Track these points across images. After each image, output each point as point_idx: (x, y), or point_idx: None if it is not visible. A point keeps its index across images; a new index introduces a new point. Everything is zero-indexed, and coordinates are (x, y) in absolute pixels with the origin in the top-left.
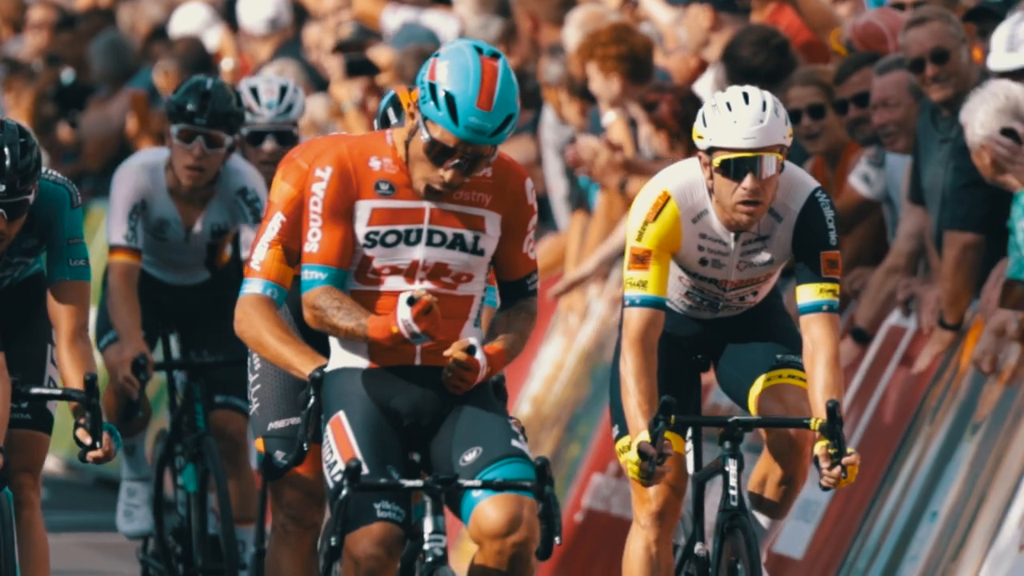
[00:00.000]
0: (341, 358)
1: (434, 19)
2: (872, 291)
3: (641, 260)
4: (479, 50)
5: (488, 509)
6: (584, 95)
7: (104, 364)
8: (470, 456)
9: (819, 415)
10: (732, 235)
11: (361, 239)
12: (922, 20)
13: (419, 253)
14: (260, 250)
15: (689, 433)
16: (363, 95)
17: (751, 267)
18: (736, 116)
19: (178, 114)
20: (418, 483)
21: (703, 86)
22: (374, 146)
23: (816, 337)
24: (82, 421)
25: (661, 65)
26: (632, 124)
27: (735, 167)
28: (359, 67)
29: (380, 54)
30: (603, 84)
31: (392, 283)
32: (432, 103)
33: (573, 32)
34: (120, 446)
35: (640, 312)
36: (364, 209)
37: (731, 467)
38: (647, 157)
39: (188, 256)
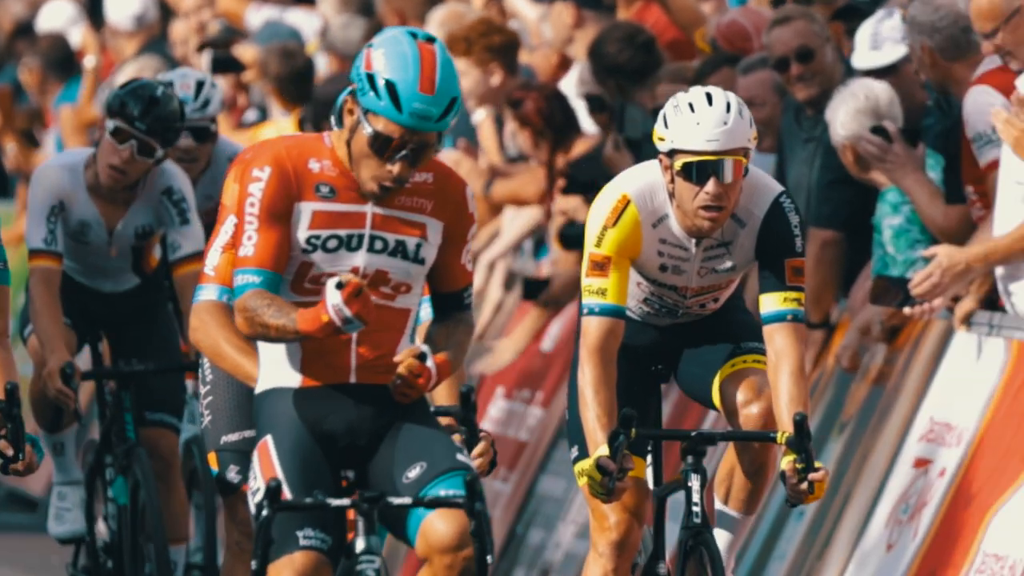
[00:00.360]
0: (272, 377)
1: (297, 17)
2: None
3: (600, 267)
4: (414, 35)
5: (437, 523)
6: None
7: (28, 352)
8: (413, 472)
9: (784, 428)
10: (693, 241)
11: (301, 243)
12: (786, 19)
13: (360, 259)
14: (214, 255)
15: (648, 446)
16: (230, 92)
17: (713, 274)
18: (699, 117)
19: (119, 111)
20: (344, 502)
21: (567, 84)
22: (312, 148)
23: (780, 347)
24: (2, 432)
25: (525, 62)
26: (499, 121)
27: (697, 171)
28: (224, 64)
29: (245, 51)
30: (478, 79)
31: None
32: (372, 94)
33: (435, 30)
34: (43, 457)
35: (599, 321)
36: (305, 212)
37: (694, 483)
38: (511, 155)
39: (112, 260)
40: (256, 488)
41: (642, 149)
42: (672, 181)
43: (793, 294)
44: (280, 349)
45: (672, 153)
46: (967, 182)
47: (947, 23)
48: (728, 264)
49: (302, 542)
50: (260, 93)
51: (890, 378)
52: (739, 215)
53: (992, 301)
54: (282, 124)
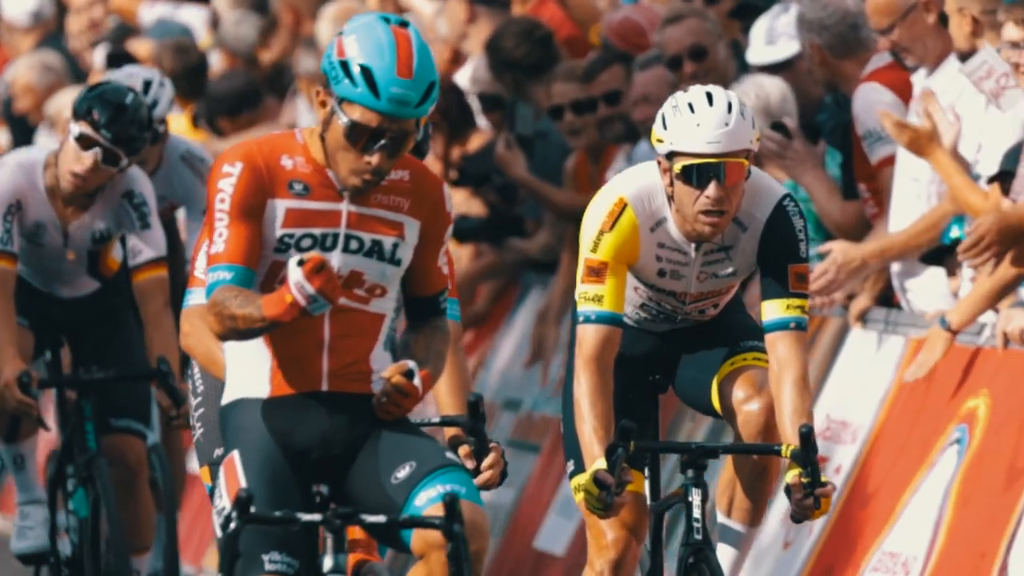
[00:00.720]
0: (239, 387)
1: (190, 14)
2: None
3: (596, 273)
4: (387, 20)
5: (436, 517)
6: None
7: None
8: (403, 472)
9: (788, 440)
10: (693, 245)
11: (274, 243)
12: (679, 17)
13: (335, 260)
14: (203, 258)
15: (646, 460)
16: None
17: (713, 279)
18: (699, 118)
19: (85, 116)
20: (315, 517)
21: (462, 77)
22: (284, 144)
23: (782, 356)
24: None
25: None
26: None
27: (698, 174)
28: (119, 60)
29: (140, 46)
30: None
31: None
32: (347, 81)
33: (326, 27)
34: (3, 469)
35: (595, 329)
36: (278, 209)
37: (695, 497)
38: None
39: (67, 263)
40: (221, 507)
41: (534, 146)
42: (671, 184)
43: (796, 301)
44: (248, 357)
45: (671, 155)
46: (860, 179)
47: (836, 20)
48: (729, 269)
49: (267, 566)
50: None
51: None
52: (741, 218)
53: (887, 298)
54: (176, 120)
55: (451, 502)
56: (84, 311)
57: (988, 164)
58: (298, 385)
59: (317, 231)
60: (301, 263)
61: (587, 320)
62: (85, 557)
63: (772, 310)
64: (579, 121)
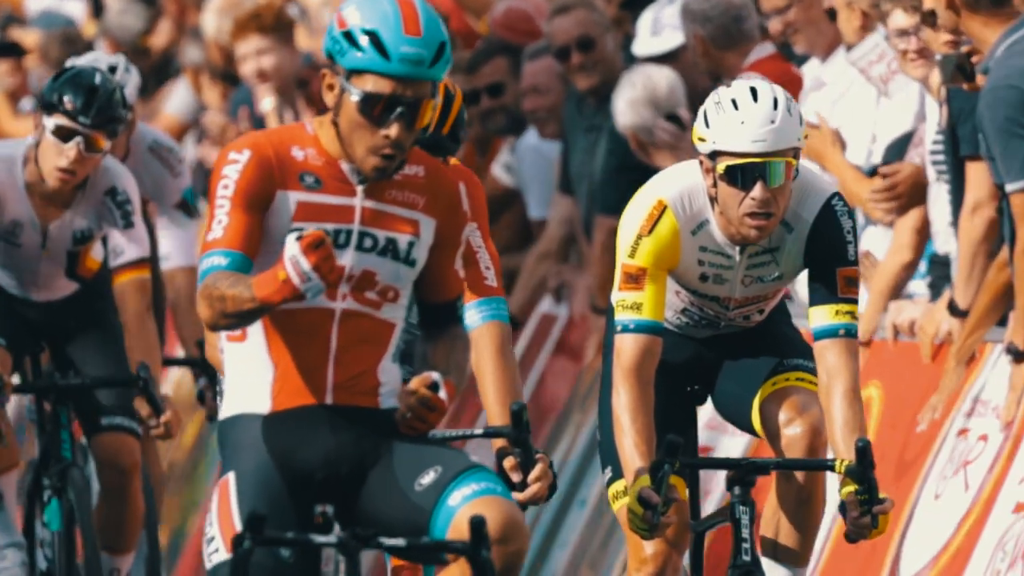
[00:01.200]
0: (238, 401)
1: (74, 7)
2: (523, 278)
3: (634, 279)
4: None
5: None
6: (226, 78)
7: None
8: (427, 478)
9: (841, 455)
10: (737, 248)
11: (284, 236)
12: (566, 8)
13: (347, 258)
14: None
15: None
16: (11, 77)
17: (758, 283)
18: (743, 116)
19: (57, 107)
20: (331, 539)
21: None
22: (295, 135)
23: (832, 366)
24: None
25: (305, 48)
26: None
27: (743, 175)
28: (6, 49)
29: (26, 36)
30: (284, 56)
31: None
32: (353, 50)
33: (211, 17)
34: None
35: (635, 339)
36: (288, 202)
37: (743, 516)
38: None
39: (45, 265)
40: (211, 538)
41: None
42: (714, 185)
43: (845, 306)
44: (248, 368)
45: (714, 155)
46: None
47: (719, 12)
48: (775, 273)
49: None
50: (39, 78)
51: None
52: (787, 219)
53: None
54: None
55: (478, 526)
56: (64, 315)
57: (880, 155)
58: (302, 398)
59: (329, 226)
60: (300, 238)
61: (626, 329)
62: (59, 570)
63: (820, 316)
64: (466, 112)
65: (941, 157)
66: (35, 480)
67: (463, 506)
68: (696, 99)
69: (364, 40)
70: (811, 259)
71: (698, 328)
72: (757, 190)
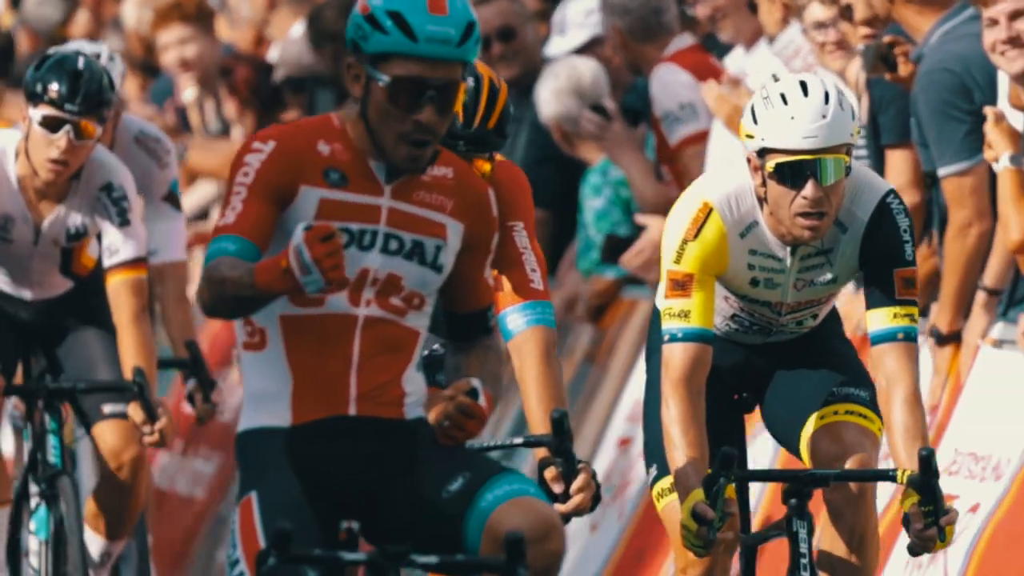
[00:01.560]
0: (257, 413)
1: None
2: None
3: (681, 286)
4: None
5: (511, 515)
6: (145, 69)
7: None
8: (456, 484)
9: (903, 465)
10: (788, 250)
11: None
12: None
13: (372, 260)
14: None
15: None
16: None
17: (811, 287)
18: (793, 110)
19: (42, 96)
20: (361, 555)
21: (273, 56)
22: (321, 128)
23: (891, 372)
24: None
25: (226, 38)
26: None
27: (793, 173)
28: None
29: None
30: (206, 45)
31: (335, 302)
32: (378, 33)
33: (134, 10)
34: None
35: (684, 348)
36: (310, 198)
37: (800, 529)
38: (213, 130)
39: (37, 261)
40: (235, 560)
41: None
42: (763, 184)
43: (904, 309)
44: (267, 378)
45: (763, 152)
46: (661, 161)
47: (638, 4)
48: (828, 275)
49: None
50: None
51: (597, 357)
52: (841, 218)
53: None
54: None
55: (515, 543)
56: (58, 313)
57: None
58: (323, 410)
59: (354, 226)
60: (308, 227)
61: (673, 338)
62: None
63: (878, 320)
64: None
65: (862, 144)
66: (23, 487)
67: (496, 508)
68: (620, 91)
69: (388, 22)
70: (867, 260)
71: (748, 334)
72: (809, 189)
